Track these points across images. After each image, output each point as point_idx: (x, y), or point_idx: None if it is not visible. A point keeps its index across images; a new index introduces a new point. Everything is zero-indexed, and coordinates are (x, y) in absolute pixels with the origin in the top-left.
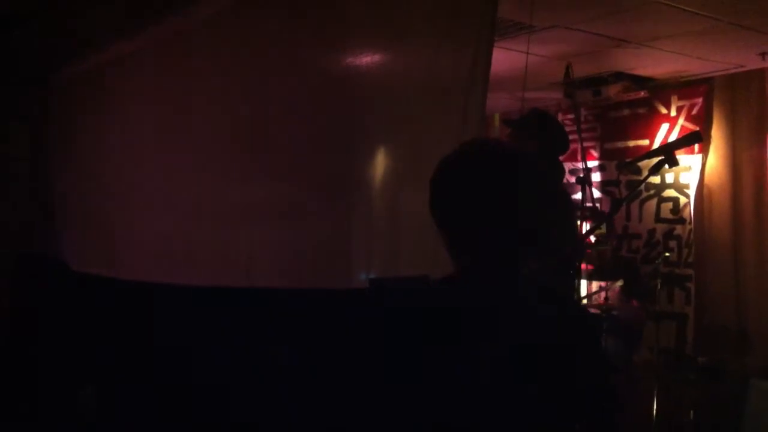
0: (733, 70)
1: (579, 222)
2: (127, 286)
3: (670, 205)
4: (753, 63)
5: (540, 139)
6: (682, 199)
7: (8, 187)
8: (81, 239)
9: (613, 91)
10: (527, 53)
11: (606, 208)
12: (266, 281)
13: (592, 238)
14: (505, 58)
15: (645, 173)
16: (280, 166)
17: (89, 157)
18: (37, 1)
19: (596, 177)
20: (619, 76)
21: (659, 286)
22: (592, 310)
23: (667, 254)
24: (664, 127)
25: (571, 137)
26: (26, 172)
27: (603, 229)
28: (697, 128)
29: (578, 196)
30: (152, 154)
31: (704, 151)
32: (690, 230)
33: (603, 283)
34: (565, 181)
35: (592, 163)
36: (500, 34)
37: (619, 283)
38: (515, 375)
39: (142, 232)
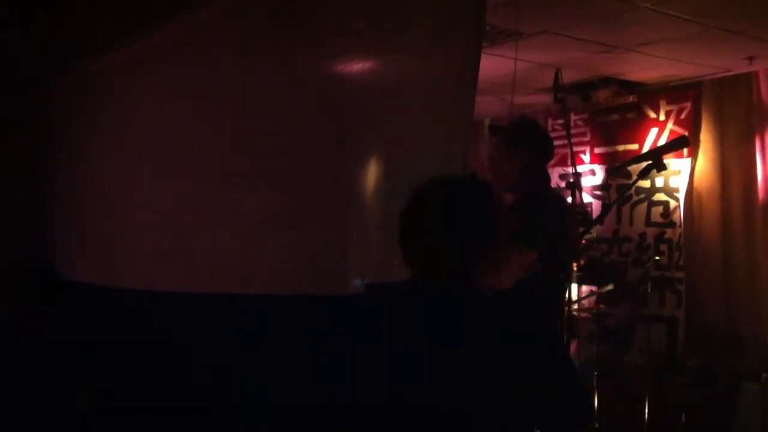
0: (720, 75)
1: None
2: (124, 294)
3: (660, 208)
4: (740, 67)
5: (528, 148)
6: (672, 203)
7: (6, 192)
8: (77, 248)
9: (602, 96)
10: (515, 59)
11: (596, 213)
12: (262, 288)
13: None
14: (494, 65)
15: (634, 177)
16: (275, 173)
17: (86, 163)
18: (37, 1)
19: (586, 181)
20: (608, 81)
21: (649, 290)
22: (583, 314)
23: (657, 257)
24: (653, 131)
25: (560, 142)
26: (25, 178)
27: (593, 234)
28: (686, 132)
29: (568, 200)
30: (149, 161)
31: (693, 154)
32: (680, 233)
33: (593, 288)
34: (554, 186)
35: (582, 168)
36: (489, 40)
37: (609, 287)
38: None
39: (138, 240)
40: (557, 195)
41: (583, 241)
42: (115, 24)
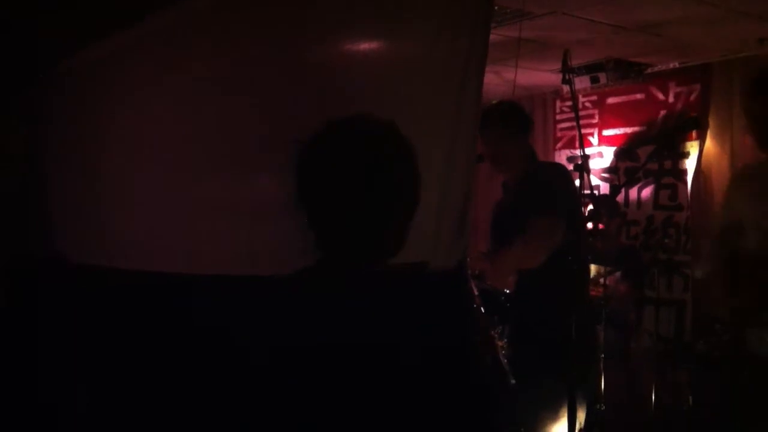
0: (730, 57)
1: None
2: (128, 277)
3: (668, 192)
4: (751, 49)
5: (529, 130)
6: (680, 186)
7: (5, 186)
8: (81, 231)
9: (611, 78)
10: (518, 38)
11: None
12: (263, 270)
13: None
14: (500, 45)
15: (643, 160)
16: (277, 158)
17: (89, 151)
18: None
19: (594, 164)
20: (617, 62)
21: (657, 273)
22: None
23: (666, 240)
24: (662, 113)
25: (569, 124)
26: (24, 169)
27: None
28: (695, 115)
29: (576, 183)
30: (152, 146)
31: (702, 137)
32: (688, 217)
33: (603, 269)
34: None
35: (590, 150)
36: (497, 20)
37: (617, 270)
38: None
39: (142, 223)
40: (558, 164)
41: (601, 225)
42: (112, 12)
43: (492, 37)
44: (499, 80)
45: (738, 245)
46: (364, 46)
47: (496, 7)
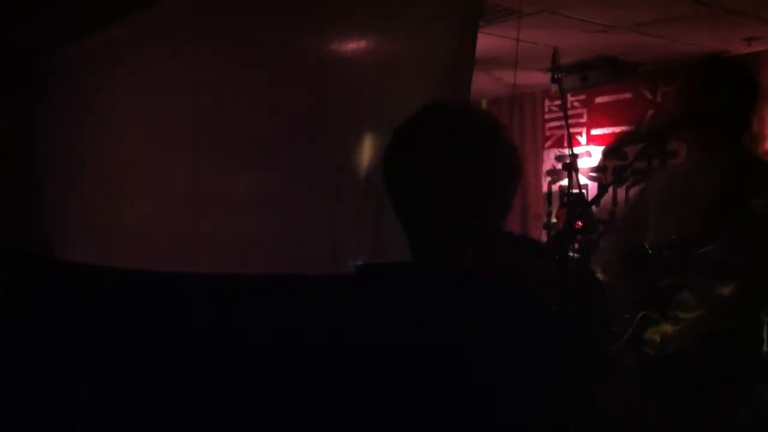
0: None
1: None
2: (120, 275)
3: None
4: (739, 48)
5: None
6: None
7: (5, 186)
8: (74, 229)
9: (600, 76)
10: (517, 40)
11: (592, 195)
12: (256, 268)
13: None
14: (490, 44)
15: (631, 159)
16: (269, 154)
17: (88, 150)
18: None
19: (582, 163)
20: (606, 61)
21: None
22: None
23: None
24: (651, 113)
25: (557, 123)
26: (18, 165)
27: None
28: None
29: (565, 182)
30: (144, 143)
31: None
32: None
33: None
34: (551, 167)
35: (579, 150)
36: (487, 19)
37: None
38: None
39: (134, 220)
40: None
41: (578, 224)
42: (111, 8)
43: (484, 36)
44: (489, 78)
45: (641, 241)
46: (354, 43)
47: (486, 6)
